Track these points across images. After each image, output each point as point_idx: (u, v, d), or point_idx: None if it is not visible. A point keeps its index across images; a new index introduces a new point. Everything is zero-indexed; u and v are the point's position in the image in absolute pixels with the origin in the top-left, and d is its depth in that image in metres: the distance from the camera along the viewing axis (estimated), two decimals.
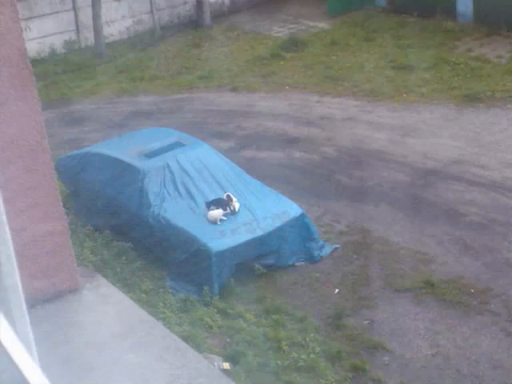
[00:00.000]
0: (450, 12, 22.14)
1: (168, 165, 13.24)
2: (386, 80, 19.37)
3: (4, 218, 2.69)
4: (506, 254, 12.42)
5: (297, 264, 12.70)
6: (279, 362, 10.39)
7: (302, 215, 12.83)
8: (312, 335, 10.96)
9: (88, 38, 23.20)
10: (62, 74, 21.70)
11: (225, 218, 12.51)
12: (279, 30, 24.10)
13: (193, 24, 24.85)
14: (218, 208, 12.54)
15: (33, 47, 21.38)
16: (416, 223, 13.51)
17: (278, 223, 12.56)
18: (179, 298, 11.69)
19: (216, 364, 9.84)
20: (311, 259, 12.72)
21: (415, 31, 21.98)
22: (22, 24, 5.00)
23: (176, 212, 12.66)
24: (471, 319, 11.12)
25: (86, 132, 18.09)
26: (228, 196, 12.74)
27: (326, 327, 11.25)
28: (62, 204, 5.30)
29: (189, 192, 13.02)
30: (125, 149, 13.97)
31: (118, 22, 23.90)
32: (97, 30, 22.28)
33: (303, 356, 10.49)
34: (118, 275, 12.22)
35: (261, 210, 12.74)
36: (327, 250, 12.90)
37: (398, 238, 13.13)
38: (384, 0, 24.00)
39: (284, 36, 23.20)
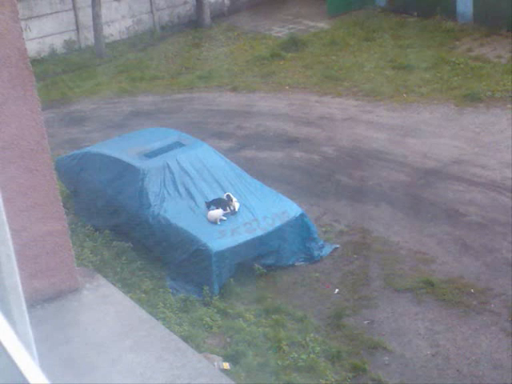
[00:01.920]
0: (450, 12, 22.13)
1: (168, 165, 13.23)
2: (385, 80, 19.36)
3: (4, 217, 2.70)
4: (505, 254, 12.41)
5: (297, 264, 12.70)
6: (279, 362, 10.40)
7: (302, 215, 12.82)
8: (312, 335, 10.96)
9: (88, 37, 23.20)
10: (62, 74, 21.69)
11: (225, 218, 12.51)
12: (279, 30, 24.09)
13: (193, 24, 24.84)
14: (218, 208, 12.54)
15: (33, 47, 21.38)
16: (416, 223, 13.50)
17: (277, 223, 12.55)
18: (179, 297, 11.69)
19: (216, 364, 9.84)
20: (311, 259, 12.72)
21: (415, 31, 21.96)
22: (22, 24, 5.00)
23: (176, 212, 12.65)
24: (471, 319, 11.11)
25: (86, 132, 18.08)
26: (228, 196, 12.74)
27: (326, 327, 11.25)
28: (62, 204, 5.30)
29: (189, 192, 13.02)
30: (125, 149, 13.96)
31: (117, 22, 23.89)
32: (97, 30, 22.26)
33: (303, 356, 10.50)
34: (118, 275, 12.24)
35: (261, 210, 12.73)
36: (327, 249, 12.90)
37: (398, 237, 13.12)
38: (384, 0, 23.99)
39: (284, 36, 23.19)
